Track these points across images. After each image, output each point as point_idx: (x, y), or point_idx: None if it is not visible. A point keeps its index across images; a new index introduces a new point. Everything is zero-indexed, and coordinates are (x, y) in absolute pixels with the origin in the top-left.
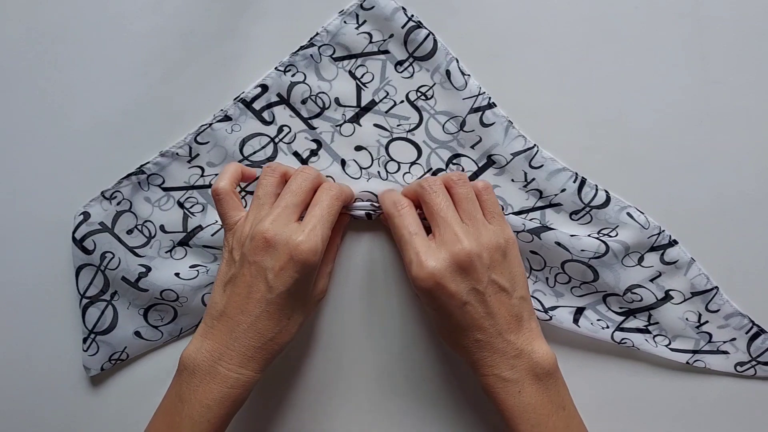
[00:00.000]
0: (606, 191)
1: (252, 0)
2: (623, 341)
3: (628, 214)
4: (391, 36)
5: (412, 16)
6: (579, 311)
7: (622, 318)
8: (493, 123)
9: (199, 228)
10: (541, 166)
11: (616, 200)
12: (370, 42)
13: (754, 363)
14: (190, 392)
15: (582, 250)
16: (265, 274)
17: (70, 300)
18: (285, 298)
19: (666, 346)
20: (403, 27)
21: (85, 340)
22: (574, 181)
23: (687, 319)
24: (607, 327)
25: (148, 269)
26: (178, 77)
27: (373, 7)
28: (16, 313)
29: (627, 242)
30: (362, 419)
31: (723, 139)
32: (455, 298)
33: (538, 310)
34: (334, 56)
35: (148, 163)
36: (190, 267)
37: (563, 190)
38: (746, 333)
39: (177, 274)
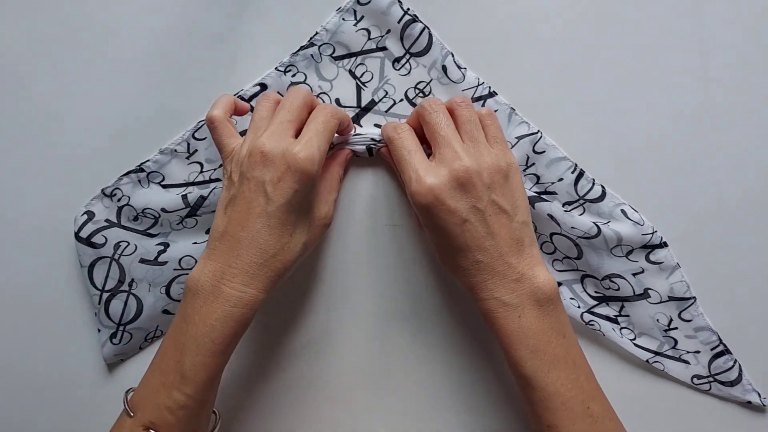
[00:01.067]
0: (602, 186)
1: (252, 0)
2: (591, 323)
3: (623, 211)
4: (389, 31)
5: (408, 9)
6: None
7: (595, 303)
8: (496, 111)
9: (201, 198)
10: (543, 152)
11: (612, 196)
12: (369, 39)
13: (711, 379)
14: (194, 313)
15: (572, 228)
16: (264, 188)
17: (77, 299)
18: (285, 210)
19: (631, 340)
20: (399, 21)
21: (114, 335)
22: (572, 172)
23: (657, 320)
24: (579, 307)
25: (167, 245)
26: (178, 77)
27: (369, 2)
28: (23, 315)
29: (620, 233)
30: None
31: (723, 139)
32: (455, 215)
33: None
34: (334, 55)
35: (147, 161)
36: (206, 232)
37: (560, 180)
38: (711, 349)
39: (195, 243)
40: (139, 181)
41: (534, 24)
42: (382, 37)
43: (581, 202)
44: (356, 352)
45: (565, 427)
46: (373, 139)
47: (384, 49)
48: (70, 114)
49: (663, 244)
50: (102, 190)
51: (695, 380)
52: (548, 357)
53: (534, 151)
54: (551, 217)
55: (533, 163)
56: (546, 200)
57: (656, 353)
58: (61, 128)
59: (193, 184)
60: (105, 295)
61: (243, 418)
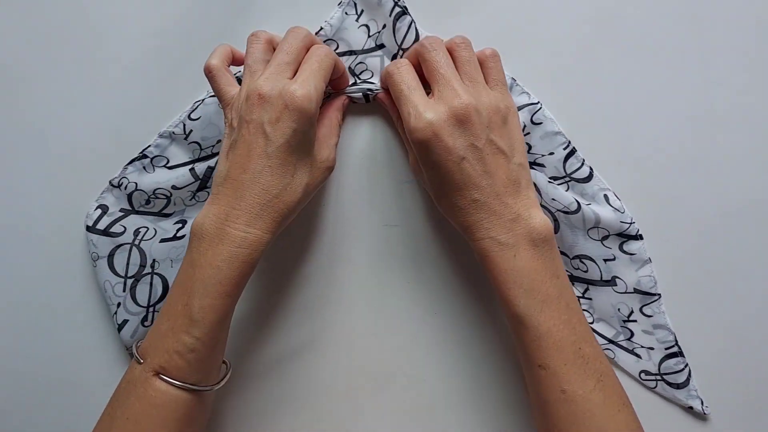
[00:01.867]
0: (590, 167)
1: (252, 0)
2: None
3: (605, 196)
4: (384, 26)
5: (398, 1)
6: None
7: None
8: None
9: (210, 169)
10: (540, 123)
11: (598, 179)
12: (369, 36)
13: (659, 378)
14: (199, 256)
15: (553, 199)
16: (263, 129)
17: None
18: (285, 150)
19: (588, 323)
20: (390, 14)
21: (145, 318)
22: (565, 149)
23: (618, 309)
24: None
25: (184, 222)
26: (178, 77)
27: None
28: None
29: (599, 215)
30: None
31: (723, 140)
32: (452, 153)
33: None
34: (337, 51)
35: (149, 146)
36: None
37: (551, 153)
38: (665, 349)
39: None
40: (144, 167)
41: (534, 26)
42: (379, 33)
43: (567, 179)
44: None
45: (557, 366)
46: (369, 88)
47: (382, 46)
48: (71, 113)
49: (638, 237)
50: (110, 181)
51: (643, 375)
52: (541, 296)
53: (532, 121)
54: (534, 185)
55: (528, 133)
56: (533, 168)
57: (610, 341)
58: (62, 127)
59: (198, 160)
60: (129, 282)
61: (243, 416)
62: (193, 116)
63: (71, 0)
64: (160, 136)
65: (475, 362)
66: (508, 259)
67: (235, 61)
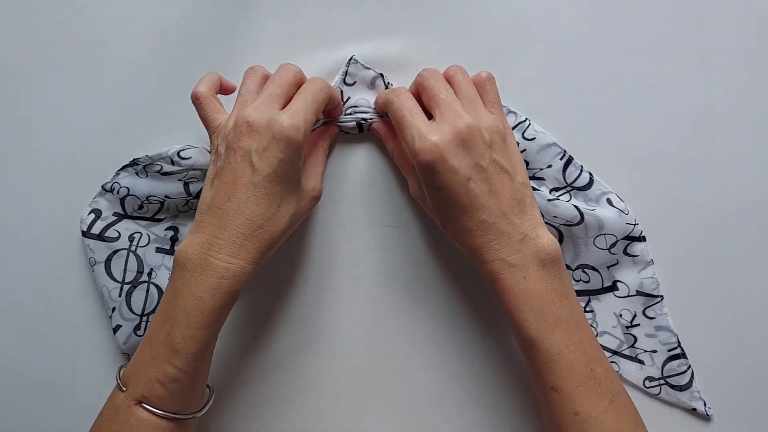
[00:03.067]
0: (590, 173)
1: (252, 0)
2: None
3: (608, 200)
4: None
5: (389, 84)
6: None
7: None
8: None
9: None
10: (534, 138)
11: (599, 184)
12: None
13: (662, 382)
14: (182, 286)
15: (554, 216)
16: (250, 158)
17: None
18: (272, 180)
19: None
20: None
21: (138, 326)
22: (561, 158)
23: (621, 315)
24: None
25: (176, 229)
26: (178, 77)
27: (354, 83)
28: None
29: (602, 220)
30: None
31: (723, 140)
32: (458, 173)
33: None
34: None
35: (140, 158)
36: None
37: (549, 166)
38: (668, 351)
39: None
40: (137, 173)
41: (534, 26)
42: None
43: (568, 189)
44: (354, 346)
45: (569, 388)
46: (363, 117)
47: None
48: (66, 116)
49: (641, 238)
50: (102, 186)
51: (647, 383)
52: (552, 318)
53: (524, 137)
54: None
55: (524, 149)
56: (534, 188)
57: (614, 352)
58: (57, 131)
59: (192, 168)
60: (126, 287)
61: (243, 416)
62: (183, 155)
63: (63, 5)
64: (147, 156)
65: (474, 363)
66: (518, 280)
67: (223, 90)
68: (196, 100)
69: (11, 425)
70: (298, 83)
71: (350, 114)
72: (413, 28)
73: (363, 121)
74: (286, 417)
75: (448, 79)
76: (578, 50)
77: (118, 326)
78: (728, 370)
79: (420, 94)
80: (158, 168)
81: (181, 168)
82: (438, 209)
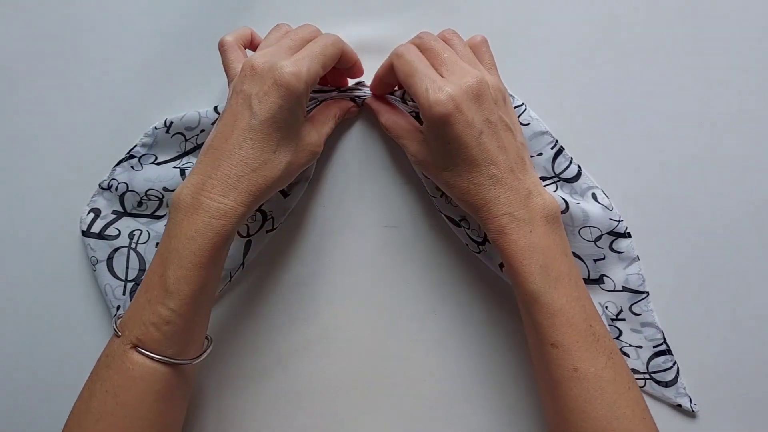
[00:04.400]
0: (579, 166)
1: (252, 0)
2: None
3: (593, 195)
4: None
5: None
6: None
7: None
8: None
9: None
10: (528, 124)
11: (586, 178)
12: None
13: (647, 377)
14: (175, 226)
15: None
16: (250, 101)
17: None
18: (269, 125)
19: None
20: None
21: None
22: (552, 148)
23: (606, 307)
24: None
25: None
26: (178, 77)
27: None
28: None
29: (587, 212)
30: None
31: (716, 139)
32: (471, 127)
33: (475, 240)
34: None
35: (135, 146)
36: None
37: (540, 154)
38: (654, 347)
39: None
40: (132, 167)
41: (534, 25)
42: None
43: (556, 179)
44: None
45: (569, 344)
46: (357, 95)
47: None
48: (63, 116)
49: (627, 234)
50: (99, 184)
51: None
52: (555, 273)
53: (520, 122)
54: None
55: None
56: None
57: None
58: (55, 131)
59: (185, 153)
60: (129, 285)
61: (244, 416)
62: (171, 119)
63: (63, 5)
64: (145, 135)
65: (474, 362)
66: (525, 234)
67: (253, 45)
68: (221, 47)
69: (11, 425)
70: (313, 38)
71: (347, 92)
72: (413, 27)
73: (357, 99)
74: (286, 417)
75: (445, 42)
76: (577, 50)
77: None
78: (714, 366)
79: (422, 52)
80: (153, 159)
81: (176, 155)
82: (446, 165)
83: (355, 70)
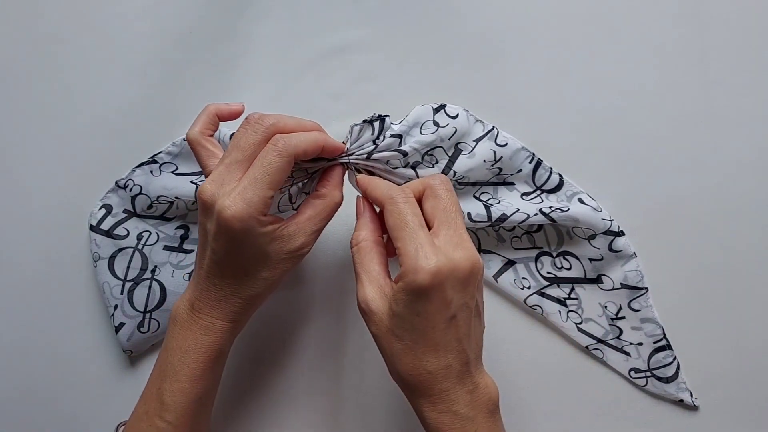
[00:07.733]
0: (560, 174)
1: (252, 0)
2: (534, 307)
3: (580, 199)
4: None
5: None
6: (509, 263)
7: (546, 284)
8: (456, 116)
9: None
10: (506, 144)
11: (569, 185)
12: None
13: (648, 374)
14: (172, 340)
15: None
16: (207, 237)
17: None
18: (231, 260)
19: (576, 324)
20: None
21: (141, 324)
22: (530, 162)
23: (606, 307)
24: (528, 288)
25: (186, 228)
26: (178, 77)
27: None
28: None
29: (576, 216)
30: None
31: (723, 140)
32: (447, 308)
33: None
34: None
35: (160, 152)
36: None
37: (519, 171)
38: (654, 342)
39: None
40: (152, 171)
41: (533, 25)
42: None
43: (539, 192)
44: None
45: None
46: (348, 162)
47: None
48: (77, 112)
49: (620, 233)
50: (116, 182)
51: (633, 373)
52: None
53: (497, 144)
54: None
55: (501, 157)
56: (506, 187)
57: (599, 340)
58: (60, 129)
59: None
60: (128, 285)
61: (244, 416)
62: None
63: (70, 2)
64: (172, 144)
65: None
66: None
67: (226, 117)
68: (189, 144)
69: (13, 421)
70: (268, 139)
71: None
72: (413, 27)
73: (348, 167)
74: (287, 417)
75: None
76: (577, 50)
77: (121, 324)
78: (714, 360)
79: (425, 197)
80: (173, 168)
81: (198, 170)
82: (401, 336)
83: (327, 153)
